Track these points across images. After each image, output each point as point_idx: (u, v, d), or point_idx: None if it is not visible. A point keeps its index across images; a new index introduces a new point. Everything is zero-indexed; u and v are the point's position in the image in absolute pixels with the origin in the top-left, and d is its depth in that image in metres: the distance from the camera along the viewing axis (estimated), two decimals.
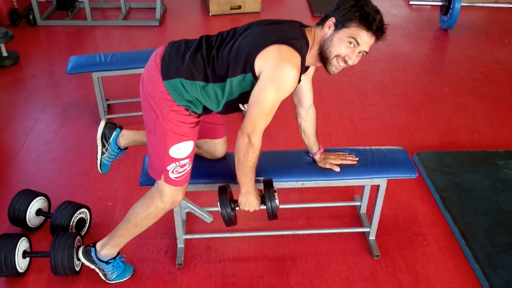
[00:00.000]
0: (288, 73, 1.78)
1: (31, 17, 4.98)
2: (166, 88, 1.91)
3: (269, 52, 1.80)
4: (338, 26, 1.81)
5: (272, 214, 2.08)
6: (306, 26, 1.93)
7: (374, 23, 1.78)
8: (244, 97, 1.90)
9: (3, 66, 4.21)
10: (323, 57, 1.89)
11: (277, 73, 1.78)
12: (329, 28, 1.83)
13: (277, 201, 2.05)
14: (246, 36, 1.88)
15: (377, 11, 1.80)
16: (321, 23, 1.87)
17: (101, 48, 4.76)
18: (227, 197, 2.07)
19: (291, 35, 1.85)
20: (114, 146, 2.37)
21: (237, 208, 2.12)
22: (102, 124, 2.38)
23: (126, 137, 2.39)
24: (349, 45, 1.82)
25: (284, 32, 1.87)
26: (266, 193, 2.05)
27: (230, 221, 2.11)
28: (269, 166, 2.31)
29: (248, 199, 2.07)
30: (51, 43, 4.84)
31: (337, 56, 1.85)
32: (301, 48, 1.84)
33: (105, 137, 2.36)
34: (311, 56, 1.91)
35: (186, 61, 1.90)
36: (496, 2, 5.61)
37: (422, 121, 3.59)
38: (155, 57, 1.97)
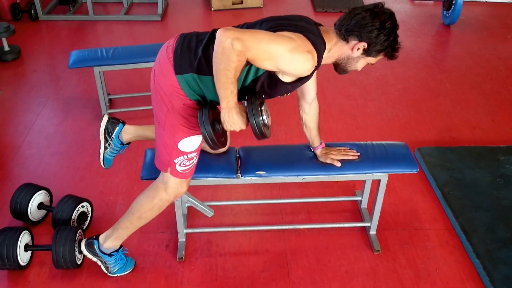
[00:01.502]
0: (304, 61, 1.75)
1: (33, 11, 4.98)
2: (179, 82, 1.89)
3: None
4: (367, 53, 1.88)
5: (259, 132, 1.78)
6: (320, 25, 1.91)
7: (397, 56, 1.93)
8: (255, 83, 1.87)
9: (4, 61, 4.21)
10: (340, 67, 1.96)
11: (296, 53, 1.72)
12: (358, 50, 1.87)
13: (264, 117, 1.79)
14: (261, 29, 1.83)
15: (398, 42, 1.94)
16: (345, 38, 1.86)
17: (103, 42, 4.76)
18: (207, 115, 1.80)
19: (310, 33, 1.81)
20: (117, 141, 2.37)
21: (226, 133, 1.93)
22: (105, 119, 2.37)
23: (128, 132, 2.39)
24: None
25: (302, 27, 1.82)
26: (249, 107, 1.74)
27: (213, 142, 1.83)
28: (270, 160, 2.31)
29: (230, 115, 1.78)
30: (53, 37, 4.84)
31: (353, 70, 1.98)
32: (319, 47, 1.81)
33: (108, 132, 2.36)
34: (325, 57, 1.89)
35: (199, 56, 1.86)
36: None
37: (424, 116, 3.59)
38: (166, 50, 1.93)
